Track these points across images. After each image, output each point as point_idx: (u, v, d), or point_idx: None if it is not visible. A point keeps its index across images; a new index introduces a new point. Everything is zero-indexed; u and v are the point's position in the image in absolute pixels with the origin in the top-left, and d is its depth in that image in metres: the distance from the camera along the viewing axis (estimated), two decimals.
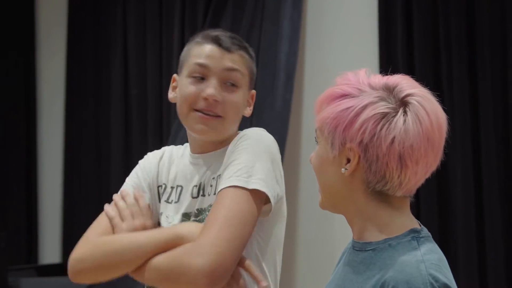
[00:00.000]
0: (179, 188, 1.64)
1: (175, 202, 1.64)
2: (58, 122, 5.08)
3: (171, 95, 1.66)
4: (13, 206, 5.40)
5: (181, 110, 1.60)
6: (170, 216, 1.64)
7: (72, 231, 5.07)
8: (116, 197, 1.63)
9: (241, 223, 1.44)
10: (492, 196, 3.11)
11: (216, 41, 1.58)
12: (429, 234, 1.25)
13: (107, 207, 1.61)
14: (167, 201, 1.65)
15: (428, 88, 1.27)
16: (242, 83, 1.60)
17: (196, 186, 1.62)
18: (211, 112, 1.56)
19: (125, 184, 1.69)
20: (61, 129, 5.06)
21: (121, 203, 1.60)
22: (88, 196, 4.82)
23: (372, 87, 1.23)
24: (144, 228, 1.55)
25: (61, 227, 5.21)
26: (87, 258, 1.52)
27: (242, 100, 1.61)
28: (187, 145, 1.71)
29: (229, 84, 1.58)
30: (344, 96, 1.23)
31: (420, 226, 1.26)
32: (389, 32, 3.44)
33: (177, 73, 1.66)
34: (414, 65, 3.32)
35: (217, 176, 1.57)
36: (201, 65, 1.57)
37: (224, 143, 1.61)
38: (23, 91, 5.38)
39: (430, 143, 1.20)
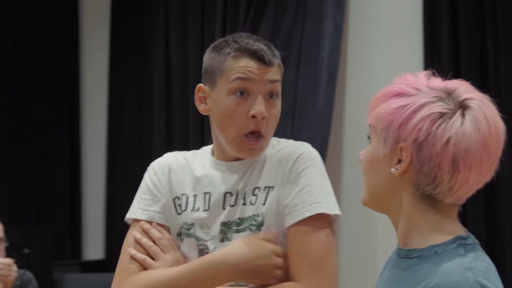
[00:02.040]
0: (207, 195, 1.59)
1: (205, 210, 1.58)
2: (101, 120, 5.13)
3: (201, 107, 1.61)
4: (57, 203, 5.48)
5: (225, 131, 1.55)
6: (205, 226, 1.58)
7: (115, 228, 5.12)
8: (137, 235, 1.60)
9: (334, 254, 1.50)
10: None
11: (257, 56, 1.52)
12: (477, 241, 1.21)
13: (132, 251, 1.58)
14: (193, 210, 1.60)
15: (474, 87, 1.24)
16: (280, 91, 1.58)
17: (230, 193, 1.57)
18: (256, 136, 1.53)
19: (135, 213, 1.64)
20: (104, 127, 5.10)
21: (144, 241, 1.58)
22: (131, 193, 4.82)
23: (430, 88, 1.20)
24: (179, 262, 1.55)
25: (104, 224, 5.26)
26: None
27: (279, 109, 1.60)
28: (204, 149, 1.67)
29: (270, 97, 1.55)
30: (400, 94, 1.20)
31: (467, 233, 1.22)
32: (434, 29, 3.37)
33: (202, 82, 1.61)
34: (460, 65, 3.25)
35: (267, 188, 1.55)
36: (245, 81, 1.52)
37: None
38: (67, 89, 5.45)
39: (486, 151, 1.16)
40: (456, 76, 3.21)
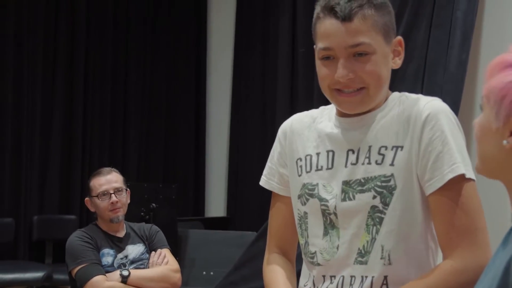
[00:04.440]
0: (330, 154, 1.56)
1: (328, 169, 1.56)
2: (226, 78, 5.19)
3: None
4: (183, 162, 5.64)
5: (323, 90, 1.54)
6: (327, 185, 1.56)
7: (237, 187, 5.20)
8: None
9: (483, 217, 1.45)
10: None
11: (334, 12, 1.46)
12: None
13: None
14: (317, 169, 1.58)
15: None
16: (373, 47, 1.48)
17: (351, 151, 1.53)
18: (351, 89, 1.49)
19: (262, 180, 1.70)
20: (228, 86, 5.16)
21: None
22: (253, 153, 4.90)
23: None
24: None
25: (226, 183, 5.35)
26: None
27: (380, 63, 1.49)
28: (331, 107, 1.63)
29: (358, 55, 1.47)
30: None
31: None
32: None
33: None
34: None
35: (395, 148, 1.49)
36: (325, 49, 1.49)
37: (374, 105, 1.54)
38: (195, 48, 5.55)
39: None
40: None
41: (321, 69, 1.52)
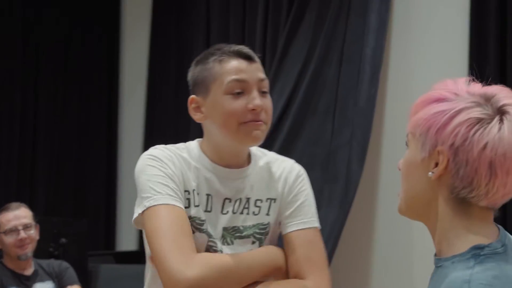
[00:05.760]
0: (209, 197, 1.67)
1: (207, 211, 1.67)
2: (139, 111, 5.14)
3: (196, 116, 1.68)
4: (93, 195, 5.51)
5: (226, 127, 1.63)
6: (209, 226, 1.65)
7: None
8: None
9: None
10: None
11: (242, 55, 1.66)
12: (498, 250, 1.20)
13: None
14: (197, 206, 1.65)
15: None
16: (268, 88, 1.69)
17: (229, 199, 1.68)
18: (259, 122, 1.64)
19: (163, 199, 1.60)
20: (141, 118, 5.11)
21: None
22: None
23: (469, 94, 1.21)
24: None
25: None
26: (209, 279, 1.56)
27: None
28: (189, 148, 1.69)
29: (261, 92, 1.66)
30: (439, 100, 1.22)
31: (497, 238, 1.22)
32: (481, 28, 3.28)
33: (192, 93, 1.69)
34: (506, 67, 3.17)
35: (270, 200, 1.71)
36: (239, 81, 1.63)
37: (244, 160, 1.71)
38: (106, 78, 5.48)
39: None
40: (502, 77, 3.11)
41: (232, 103, 1.62)
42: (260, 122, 1.63)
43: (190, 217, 1.62)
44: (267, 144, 3.44)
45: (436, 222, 1.23)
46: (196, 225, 1.63)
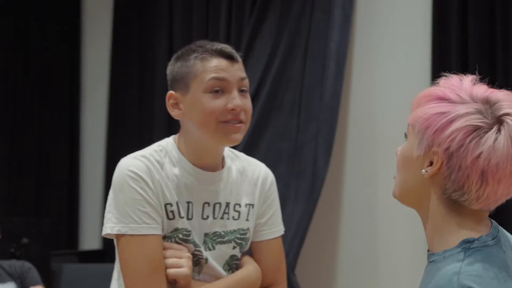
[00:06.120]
0: (190, 204, 1.66)
1: (189, 219, 1.66)
2: (101, 111, 5.08)
3: (174, 112, 1.68)
4: (55, 194, 5.43)
5: (205, 125, 1.63)
6: (191, 234, 1.66)
7: None
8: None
9: None
10: None
11: (224, 54, 1.66)
12: (488, 242, 1.23)
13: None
14: (183, 217, 1.66)
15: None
16: (248, 87, 1.71)
17: (207, 204, 1.67)
18: (237, 121, 1.64)
19: (140, 229, 1.60)
20: (104, 118, 5.06)
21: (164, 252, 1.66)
22: None
23: (472, 98, 1.22)
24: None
25: (102, 214, 5.20)
26: None
27: None
28: (166, 148, 1.69)
29: (241, 92, 1.66)
30: (442, 99, 1.23)
31: (487, 232, 1.24)
32: (443, 21, 3.31)
33: (170, 89, 1.69)
34: (468, 61, 3.20)
35: (248, 206, 1.73)
36: (220, 79, 1.63)
37: (220, 162, 1.72)
38: (68, 79, 5.40)
39: None
40: (463, 66, 3.14)
41: (211, 102, 1.62)
42: (239, 125, 1.63)
43: (176, 229, 1.63)
44: None
45: (428, 216, 1.25)
46: (182, 236, 1.64)
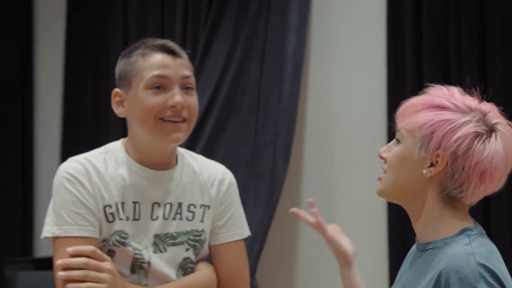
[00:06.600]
0: (136, 204, 1.62)
1: (135, 220, 1.62)
2: (55, 114, 5.00)
3: (118, 110, 1.68)
4: (8, 200, 5.33)
5: (145, 122, 1.60)
6: (137, 235, 1.61)
7: None
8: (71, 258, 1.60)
9: None
10: None
11: (165, 49, 1.64)
12: (483, 232, 1.43)
13: (71, 286, 1.57)
14: (127, 219, 1.63)
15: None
16: (194, 84, 1.68)
17: (157, 204, 1.63)
18: (179, 118, 1.61)
19: (72, 230, 1.60)
20: (58, 122, 4.98)
21: (77, 272, 1.59)
22: None
23: (468, 108, 1.40)
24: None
25: None
26: None
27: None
28: (113, 150, 1.67)
29: (185, 89, 1.64)
30: (441, 107, 1.39)
31: (476, 224, 1.44)
32: (398, 24, 3.35)
33: (117, 87, 1.68)
34: (423, 62, 3.23)
35: (204, 207, 1.69)
36: (160, 76, 1.61)
37: (171, 162, 1.67)
38: (21, 81, 5.30)
39: (506, 168, 1.41)
40: (418, 69, 3.25)
41: (151, 98, 1.60)
42: (180, 123, 1.60)
43: (115, 232, 1.60)
44: (191, 145, 3.43)
45: (422, 211, 1.41)
46: (119, 239, 1.60)
